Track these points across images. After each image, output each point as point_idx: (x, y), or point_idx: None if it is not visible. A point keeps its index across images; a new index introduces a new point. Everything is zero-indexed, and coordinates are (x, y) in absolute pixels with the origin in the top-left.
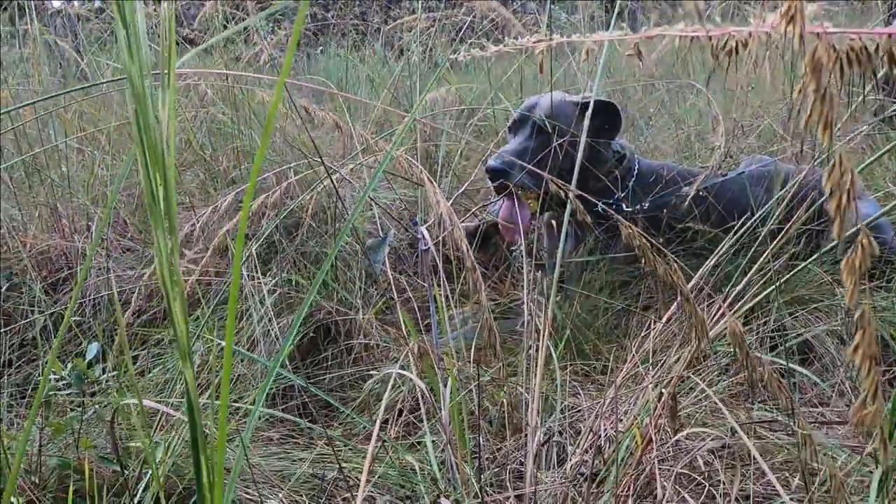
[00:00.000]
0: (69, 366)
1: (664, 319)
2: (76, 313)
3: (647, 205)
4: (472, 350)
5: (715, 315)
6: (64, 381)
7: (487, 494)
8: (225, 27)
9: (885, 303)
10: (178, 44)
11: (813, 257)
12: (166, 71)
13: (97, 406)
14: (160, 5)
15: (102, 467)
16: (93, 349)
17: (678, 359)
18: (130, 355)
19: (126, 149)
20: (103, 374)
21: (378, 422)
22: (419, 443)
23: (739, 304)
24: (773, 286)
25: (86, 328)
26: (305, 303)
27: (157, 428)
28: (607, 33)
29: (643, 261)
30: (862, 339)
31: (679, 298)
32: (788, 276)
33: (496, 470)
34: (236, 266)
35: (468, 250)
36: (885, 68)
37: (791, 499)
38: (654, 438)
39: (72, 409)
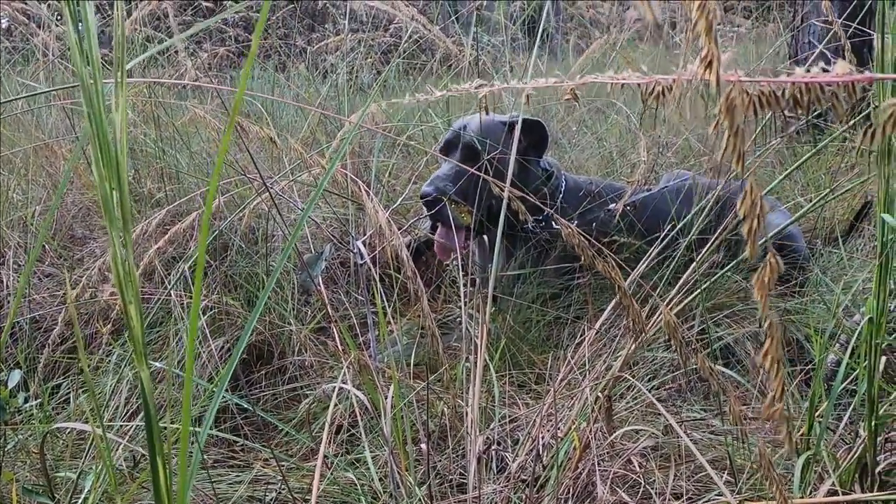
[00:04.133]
0: None
1: (598, 325)
2: None
3: (575, 220)
4: (411, 365)
5: (647, 315)
6: None
7: (432, 501)
8: (145, 49)
9: (798, 307)
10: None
11: (730, 265)
12: (118, 72)
13: (19, 437)
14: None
15: (27, 499)
16: (15, 376)
17: (610, 366)
18: (55, 382)
19: (42, 172)
20: (26, 402)
21: (325, 436)
22: (357, 459)
23: (666, 306)
24: (697, 293)
25: (5, 355)
26: (248, 328)
27: (86, 456)
28: (543, 80)
29: (582, 257)
30: (771, 345)
31: (616, 297)
32: (708, 283)
33: (438, 481)
34: None
35: (408, 259)
36: (792, 109)
37: (721, 494)
38: (591, 442)
39: None
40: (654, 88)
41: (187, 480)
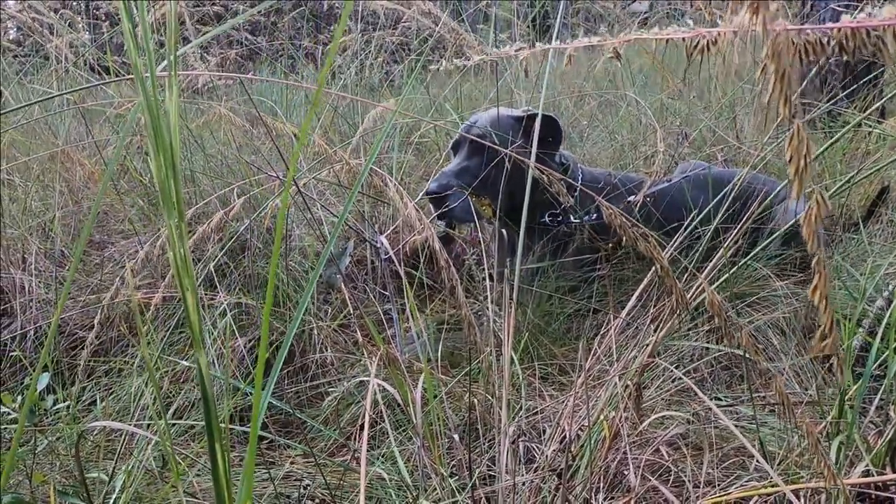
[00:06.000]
0: (20, 398)
1: (623, 314)
2: (18, 346)
3: (595, 214)
4: (439, 359)
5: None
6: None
7: (463, 493)
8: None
9: None
10: (106, 72)
11: (752, 253)
12: (172, 66)
13: (49, 438)
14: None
15: (61, 501)
16: (44, 379)
17: (638, 353)
18: (80, 385)
19: (59, 178)
20: (55, 405)
21: (366, 428)
22: (383, 454)
23: (706, 280)
24: (720, 281)
25: (31, 359)
26: (290, 332)
27: (117, 457)
28: (586, 39)
29: (624, 239)
30: (819, 281)
31: (640, 286)
32: (732, 271)
33: (465, 473)
34: None
35: (441, 249)
36: (836, 55)
37: (752, 478)
38: (622, 431)
39: (21, 444)
40: (699, 42)
41: (249, 468)
